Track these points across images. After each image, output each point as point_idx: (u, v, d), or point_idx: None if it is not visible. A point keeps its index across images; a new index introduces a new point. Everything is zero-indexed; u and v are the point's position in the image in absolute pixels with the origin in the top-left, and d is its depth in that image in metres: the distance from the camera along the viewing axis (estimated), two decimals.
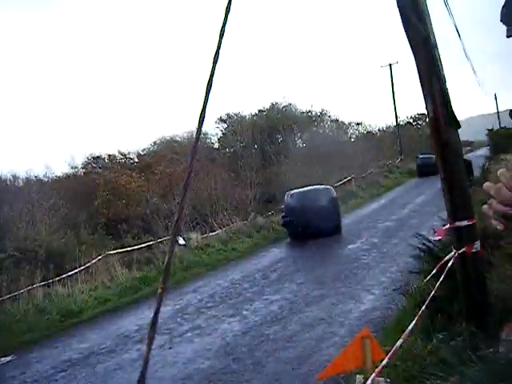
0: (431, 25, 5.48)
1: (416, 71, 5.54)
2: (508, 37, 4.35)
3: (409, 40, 5.45)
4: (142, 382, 2.23)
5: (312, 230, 17.16)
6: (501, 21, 4.38)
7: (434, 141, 5.45)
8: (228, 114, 41.55)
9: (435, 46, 5.42)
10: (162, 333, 9.82)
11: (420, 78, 5.47)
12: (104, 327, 11.14)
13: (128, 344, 9.46)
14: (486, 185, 1.21)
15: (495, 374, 2.94)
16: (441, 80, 5.31)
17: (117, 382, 7.84)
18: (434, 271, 5.31)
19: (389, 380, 4.36)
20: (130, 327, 10.64)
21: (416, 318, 4.46)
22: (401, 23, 5.54)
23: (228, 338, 8.93)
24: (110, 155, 32.27)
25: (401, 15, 5.49)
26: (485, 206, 1.21)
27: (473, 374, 3.04)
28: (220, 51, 2.95)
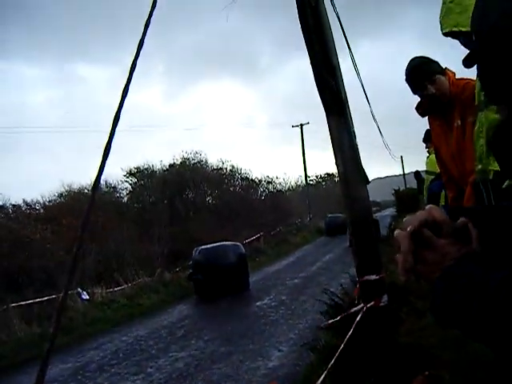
0: (342, 81, 5.61)
1: (327, 128, 5.63)
2: (414, 93, 4.48)
3: (320, 95, 5.54)
4: None
5: (219, 286, 17.00)
6: (406, 80, 4.53)
7: (344, 195, 5.51)
8: (138, 168, 41.21)
9: (346, 102, 5.54)
10: None
11: (330, 133, 5.55)
12: None
13: None
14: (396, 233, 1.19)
15: None
16: (351, 135, 5.41)
17: None
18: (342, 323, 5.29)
19: None
20: None
21: (324, 373, 4.40)
22: (313, 79, 5.64)
23: None
24: (14, 205, 31.29)
25: (314, 71, 5.59)
26: (397, 232, 1.19)
27: None
28: (124, 103, 2.89)
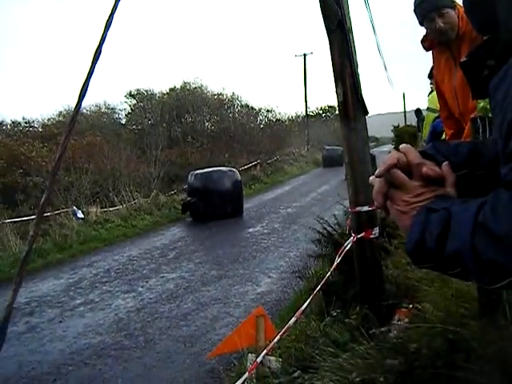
0: (348, 9, 5.47)
1: (329, 57, 5.52)
2: (421, 25, 4.36)
3: (324, 20, 5.41)
4: None
5: (214, 211, 17.15)
6: (413, 11, 4.39)
7: (342, 125, 5.46)
8: (138, 90, 40.86)
9: (350, 30, 5.42)
10: (52, 306, 9.55)
11: (332, 61, 5.45)
12: None
13: (16, 316, 8.99)
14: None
15: (385, 351, 2.98)
16: (353, 64, 5.32)
17: (1, 355, 7.49)
18: (337, 257, 5.33)
19: (280, 359, 4.34)
20: (20, 299, 10.21)
21: (310, 298, 4.46)
22: (318, 5, 5.49)
23: (121, 314, 8.75)
24: (13, 122, 31.11)
25: None
26: (372, 178, 1.19)
27: (363, 350, 3.06)
28: (112, 20, 2.80)
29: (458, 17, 4.12)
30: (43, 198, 2.46)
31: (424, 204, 1.10)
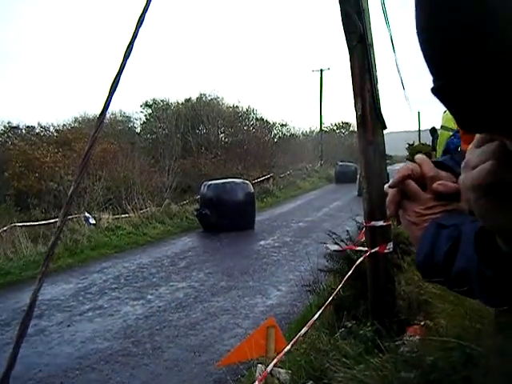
0: (370, 24, 5.49)
1: (348, 72, 5.54)
2: None
3: (345, 35, 5.42)
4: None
5: (225, 222, 17.12)
6: None
7: (360, 139, 5.46)
8: (154, 100, 40.98)
9: (371, 45, 5.42)
10: (61, 310, 9.57)
11: (352, 75, 5.46)
12: (2, 300, 10.67)
13: None
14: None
15: (399, 364, 2.95)
16: (373, 79, 5.32)
17: (7, 356, 7.49)
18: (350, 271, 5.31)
19: (290, 371, 4.31)
20: (28, 302, 10.24)
21: (321, 310, 4.43)
22: (340, 20, 5.51)
23: (130, 321, 8.76)
24: (28, 126, 31.17)
25: (341, 10, 5.46)
26: (385, 187, 1.19)
27: (378, 363, 3.04)
28: (140, 27, 2.82)
29: None
30: (71, 189, 2.46)
31: (435, 217, 1.09)
